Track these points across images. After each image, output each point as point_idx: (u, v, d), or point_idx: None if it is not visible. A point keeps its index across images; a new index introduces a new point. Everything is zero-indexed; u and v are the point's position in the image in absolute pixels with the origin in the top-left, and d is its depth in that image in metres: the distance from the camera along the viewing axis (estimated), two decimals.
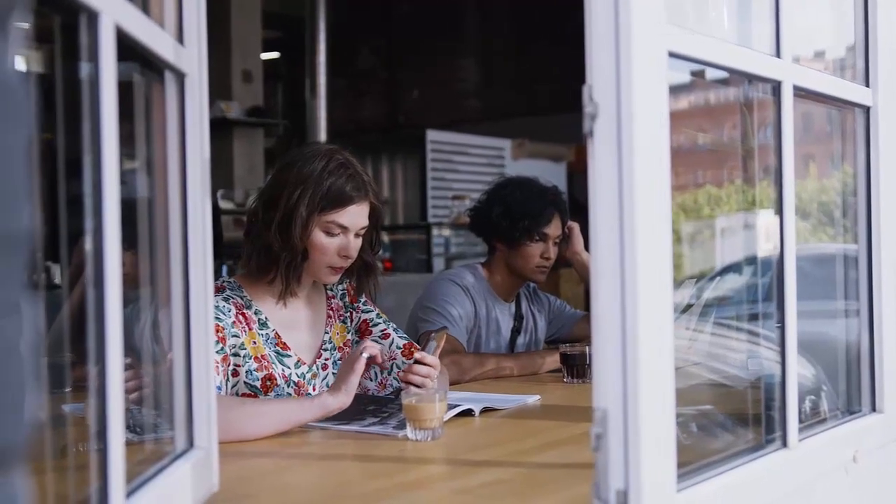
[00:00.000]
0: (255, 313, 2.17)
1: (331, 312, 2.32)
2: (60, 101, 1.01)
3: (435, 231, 7.36)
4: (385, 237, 7.59)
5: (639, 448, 1.14)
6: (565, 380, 2.62)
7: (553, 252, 2.97)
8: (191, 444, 1.35)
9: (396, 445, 1.80)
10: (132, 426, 1.29)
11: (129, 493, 1.07)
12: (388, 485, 1.54)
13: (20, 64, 0.61)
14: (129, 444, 1.05)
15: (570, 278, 6.78)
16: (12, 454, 0.57)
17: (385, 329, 2.35)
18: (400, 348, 2.30)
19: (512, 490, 1.50)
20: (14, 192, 0.57)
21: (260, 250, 2.15)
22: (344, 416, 2.00)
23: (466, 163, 8.03)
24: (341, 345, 2.32)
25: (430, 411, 1.83)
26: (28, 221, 0.59)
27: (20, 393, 0.57)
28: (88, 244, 0.98)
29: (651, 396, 1.15)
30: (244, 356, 2.11)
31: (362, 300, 2.38)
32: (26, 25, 0.63)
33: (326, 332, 2.30)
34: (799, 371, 1.55)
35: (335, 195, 2.12)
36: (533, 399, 2.31)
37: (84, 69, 0.99)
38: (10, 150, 0.57)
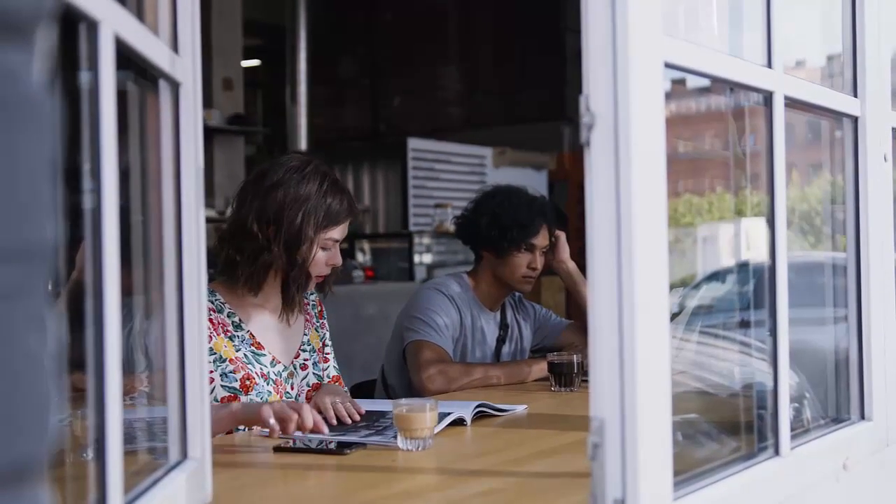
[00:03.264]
0: (229, 316, 2.24)
1: (308, 317, 2.42)
2: (57, 109, 1.00)
3: (416, 239, 7.34)
4: (366, 245, 7.57)
5: (636, 457, 1.14)
6: (553, 388, 2.62)
7: (540, 262, 2.97)
8: (185, 455, 1.34)
9: (388, 455, 1.80)
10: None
11: None
12: (382, 495, 1.54)
13: (44, 75, 0.61)
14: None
15: (551, 286, 6.79)
16: (37, 466, 0.57)
17: (328, 354, 2.47)
18: (330, 378, 2.42)
19: (506, 499, 1.50)
20: (40, 205, 0.57)
21: (260, 268, 2.21)
22: (339, 428, 1.99)
23: (448, 171, 8.02)
24: (318, 348, 2.42)
25: (420, 421, 1.83)
26: (52, 234, 0.59)
27: (45, 405, 0.57)
28: (88, 254, 0.97)
29: (648, 406, 1.16)
30: (214, 360, 2.15)
31: (325, 317, 2.50)
32: (50, 37, 0.63)
33: (305, 334, 2.38)
34: None
35: (335, 214, 2.24)
36: (521, 408, 2.31)
37: (83, 77, 0.99)
38: (36, 164, 0.57)
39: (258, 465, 1.78)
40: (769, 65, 1.50)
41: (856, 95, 1.79)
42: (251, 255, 2.20)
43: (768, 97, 1.50)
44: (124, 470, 1.03)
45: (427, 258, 7.38)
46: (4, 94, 0.57)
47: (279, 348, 2.30)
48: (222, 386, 2.16)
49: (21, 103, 0.58)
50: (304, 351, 2.37)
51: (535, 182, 7.48)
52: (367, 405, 2.21)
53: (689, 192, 1.98)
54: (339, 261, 2.30)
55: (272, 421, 1.88)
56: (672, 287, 2.15)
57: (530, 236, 2.94)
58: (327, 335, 2.48)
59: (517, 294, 3.15)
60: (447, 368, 2.73)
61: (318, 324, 2.45)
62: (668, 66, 1.23)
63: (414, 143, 7.90)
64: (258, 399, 2.17)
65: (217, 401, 2.14)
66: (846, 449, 1.69)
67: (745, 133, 1.71)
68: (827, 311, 1.97)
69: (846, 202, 1.81)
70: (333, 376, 2.45)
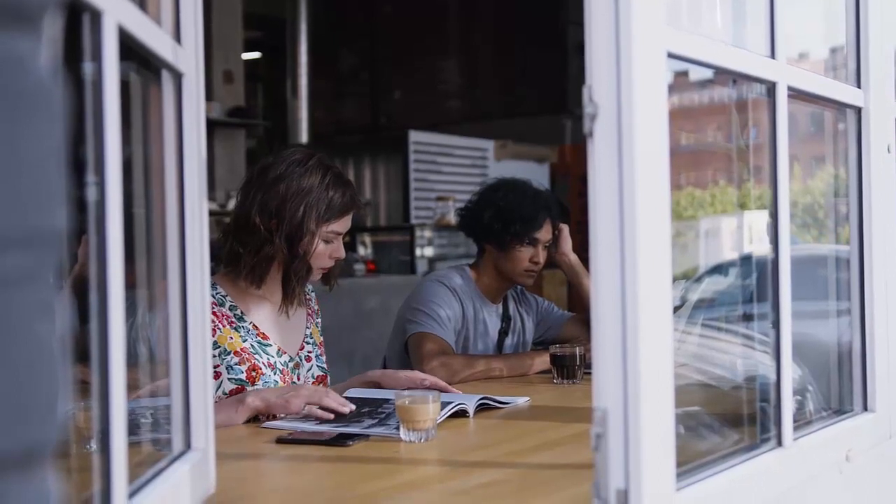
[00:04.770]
0: (231, 309, 2.25)
1: (310, 311, 2.45)
2: (66, 97, 1.00)
3: (418, 232, 7.34)
4: (367, 238, 7.57)
5: (639, 447, 1.14)
6: (555, 381, 2.62)
7: (542, 256, 2.97)
8: (188, 445, 1.34)
9: (391, 447, 1.80)
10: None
11: (130, 495, 1.06)
12: (384, 486, 1.54)
13: (53, 62, 0.61)
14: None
15: (552, 280, 6.79)
16: (46, 452, 0.57)
17: (321, 353, 2.46)
18: (314, 378, 2.40)
19: (509, 490, 1.50)
20: (51, 193, 0.57)
21: (262, 260, 2.23)
22: (341, 419, 1.99)
23: (449, 164, 8.02)
24: (319, 343, 2.44)
25: (423, 412, 1.83)
26: (62, 222, 0.59)
27: (53, 392, 0.57)
28: (91, 246, 0.97)
29: (651, 396, 1.16)
30: (220, 353, 2.17)
31: (319, 315, 2.51)
32: (59, 23, 0.63)
33: (307, 328, 2.41)
34: None
35: (338, 207, 2.25)
36: (523, 400, 2.31)
37: (86, 68, 0.99)
38: (47, 151, 0.57)
39: (261, 455, 1.78)
40: (772, 55, 1.49)
41: (859, 86, 1.79)
42: (254, 248, 2.21)
43: (771, 88, 1.50)
44: (128, 461, 1.04)
45: (428, 251, 7.38)
46: (14, 81, 0.57)
47: (283, 339, 2.32)
48: (229, 379, 2.18)
49: (30, 91, 0.58)
50: (307, 343, 2.39)
51: (536, 175, 7.48)
52: (368, 394, 2.22)
53: (692, 184, 1.98)
54: (342, 253, 2.31)
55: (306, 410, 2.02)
56: (674, 280, 2.15)
57: (534, 230, 2.93)
58: (319, 331, 2.51)
59: (519, 286, 3.15)
60: (450, 360, 2.73)
61: (317, 320, 2.48)
62: (671, 56, 1.23)
63: (415, 136, 7.91)
64: None
65: (226, 394, 2.15)
66: (849, 440, 1.69)
67: (747, 125, 1.71)
68: (830, 303, 1.97)
69: (849, 193, 1.81)
70: (318, 376, 2.44)
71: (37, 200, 0.57)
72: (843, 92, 1.75)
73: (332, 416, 2.00)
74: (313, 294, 2.49)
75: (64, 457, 1.24)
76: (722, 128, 1.89)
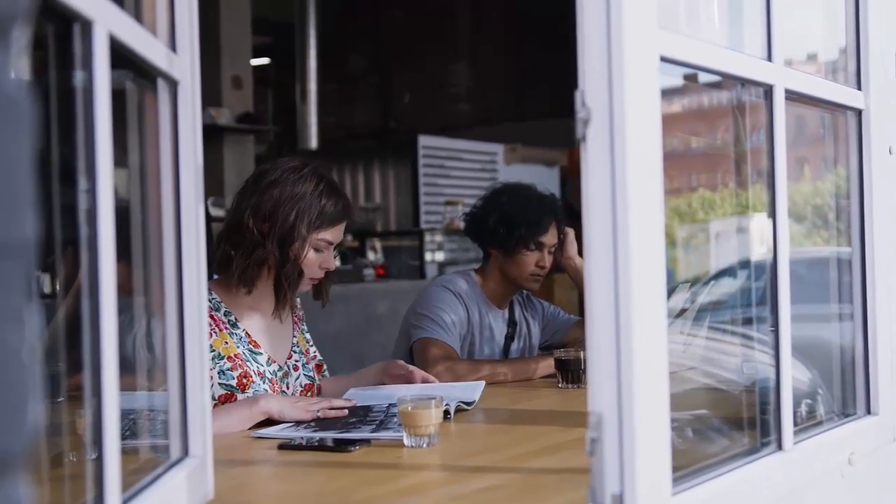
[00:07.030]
0: (225, 315, 2.27)
1: (296, 320, 2.46)
2: (53, 109, 1.00)
3: (428, 237, 7.34)
4: (377, 243, 7.58)
5: (634, 452, 1.14)
6: (560, 385, 2.62)
7: (548, 260, 2.96)
8: (186, 452, 1.34)
9: (393, 452, 1.80)
10: (126, 433, 1.28)
11: (125, 502, 1.07)
12: (384, 491, 1.54)
13: (22, 73, 0.61)
14: (123, 451, 1.05)
15: (563, 284, 6.78)
16: (15, 460, 0.57)
17: (307, 361, 2.45)
18: (301, 387, 2.40)
19: (508, 495, 1.50)
20: (18, 201, 0.57)
21: (254, 264, 2.24)
22: (334, 427, 1.99)
23: (459, 168, 8.02)
24: (305, 350, 2.45)
25: (425, 418, 1.83)
26: (31, 230, 0.59)
27: (23, 400, 0.58)
28: (83, 254, 0.98)
29: (646, 400, 1.15)
30: (214, 357, 2.18)
31: (304, 321, 2.52)
32: (27, 35, 0.64)
33: (294, 336, 2.43)
34: (794, 375, 1.55)
35: (329, 215, 2.27)
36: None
37: (78, 77, 0.99)
38: (13, 160, 0.57)
39: (261, 462, 1.78)
40: (769, 58, 1.49)
41: (860, 88, 1.78)
42: (245, 251, 2.23)
43: (769, 91, 1.49)
44: (125, 467, 1.04)
45: (438, 256, 7.39)
46: None
47: (273, 348, 2.34)
48: (220, 384, 2.19)
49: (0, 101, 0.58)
50: (295, 352, 2.41)
51: (547, 178, 7.47)
52: (362, 398, 2.24)
53: (703, 187, 1.97)
54: (332, 265, 2.34)
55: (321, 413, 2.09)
56: (684, 282, 2.14)
57: (539, 234, 2.93)
58: (308, 336, 2.52)
59: (525, 291, 3.15)
60: (455, 365, 2.73)
61: (302, 326, 2.50)
62: (664, 60, 1.22)
63: (424, 141, 7.91)
64: None
65: (215, 399, 2.16)
66: (851, 444, 1.69)
67: (756, 128, 1.70)
68: (835, 306, 1.97)
69: (850, 195, 1.81)
70: (305, 385, 2.42)
71: (6, 210, 0.57)
72: (842, 94, 1.74)
73: (345, 412, 2.10)
74: (298, 299, 2.50)
75: (60, 465, 1.24)
76: (730, 130, 1.89)
